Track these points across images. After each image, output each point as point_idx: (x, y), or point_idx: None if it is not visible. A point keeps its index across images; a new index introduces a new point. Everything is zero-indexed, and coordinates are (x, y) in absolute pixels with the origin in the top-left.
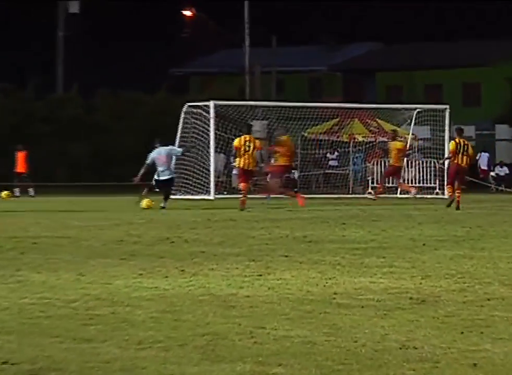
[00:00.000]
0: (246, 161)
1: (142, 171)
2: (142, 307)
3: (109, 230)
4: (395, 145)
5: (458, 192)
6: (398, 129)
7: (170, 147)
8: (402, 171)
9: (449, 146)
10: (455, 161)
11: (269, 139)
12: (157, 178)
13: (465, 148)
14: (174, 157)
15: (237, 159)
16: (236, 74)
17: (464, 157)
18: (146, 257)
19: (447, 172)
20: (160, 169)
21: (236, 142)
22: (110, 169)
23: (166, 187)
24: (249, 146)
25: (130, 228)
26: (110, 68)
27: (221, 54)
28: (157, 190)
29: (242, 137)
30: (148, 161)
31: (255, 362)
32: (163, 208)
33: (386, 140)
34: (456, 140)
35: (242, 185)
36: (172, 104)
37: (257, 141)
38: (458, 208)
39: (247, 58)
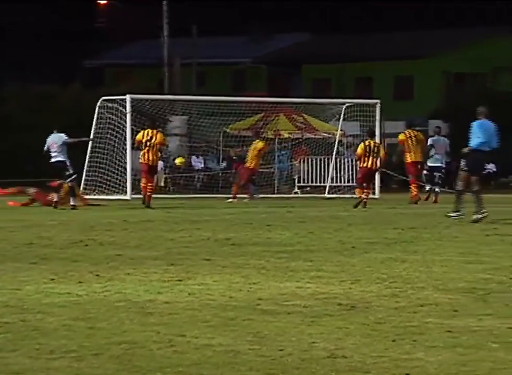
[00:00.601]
0: (150, 156)
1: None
2: (54, 314)
3: (18, 233)
4: (257, 144)
5: (366, 193)
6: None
7: (62, 135)
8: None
9: (357, 149)
10: (365, 165)
11: (189, 135)
12: (51, 161)
13: (376, 150)
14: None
15: (140, 155)
16: (155, 66)
17: (375, 160)
18: (59, 261)
19: (357, 175)
20: (53, 154)
21: (139, 136)
22: (21, 166)
23: (60, 171)
24: (151, 141)
25: (41, 230)
26: (20, 60)
27: (139, 45)
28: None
29: (146, 131)
30: (45, 148)
31: (175, 373)
32: (74, 207)
33: (314, 136)
34: (366, 142)
35: (144, 182)
36: (87, 98)
37: (159, 135)
38: (364, 206)
39: (165, 49)
